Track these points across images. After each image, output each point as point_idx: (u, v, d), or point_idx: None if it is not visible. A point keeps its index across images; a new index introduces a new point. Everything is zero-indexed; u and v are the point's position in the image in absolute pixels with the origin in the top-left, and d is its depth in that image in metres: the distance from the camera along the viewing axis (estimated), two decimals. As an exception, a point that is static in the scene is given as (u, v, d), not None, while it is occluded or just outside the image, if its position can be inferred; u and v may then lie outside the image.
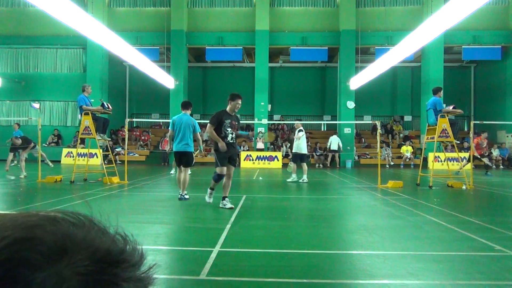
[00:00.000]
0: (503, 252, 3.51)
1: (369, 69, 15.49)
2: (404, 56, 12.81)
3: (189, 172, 7.26)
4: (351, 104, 19.38)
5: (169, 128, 7.10)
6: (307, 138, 11.26)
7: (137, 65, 14.21)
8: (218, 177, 6.03)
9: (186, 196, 6.79)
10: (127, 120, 10.99)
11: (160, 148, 19.13)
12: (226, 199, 5.92)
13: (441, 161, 15.89)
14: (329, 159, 18.46)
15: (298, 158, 10.54)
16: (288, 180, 10.43)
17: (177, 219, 5.41)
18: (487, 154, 13.48)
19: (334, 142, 18.27)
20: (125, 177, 9.64)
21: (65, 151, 18.69)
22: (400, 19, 19.42)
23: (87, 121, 9.14)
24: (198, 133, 7.13)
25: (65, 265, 0.34)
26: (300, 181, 10.21)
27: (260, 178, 11.67)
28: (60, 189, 8.16)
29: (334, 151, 18.37)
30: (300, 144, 10.42)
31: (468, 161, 12.42)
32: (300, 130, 10.57)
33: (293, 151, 10.76)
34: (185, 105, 7.27)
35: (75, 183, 9.02)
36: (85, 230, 0.39)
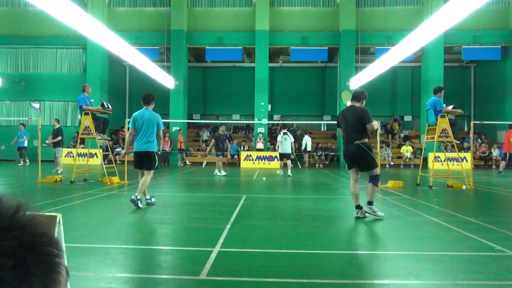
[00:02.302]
0: (503, 252, 3.51)
1: (369, 69, 15.49)
2: (404, 56, 12.81)
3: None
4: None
5: (129, 126, 6.26)
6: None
7: (137, 65, 14.20)
8: (378, 179, 5.32)
9: (139, 204, 5.68)
10: (127, 120, 10.98)
11: (160, 148, 19.10)
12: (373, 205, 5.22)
13: (441, 161, 15.88)
14: (307, 159, 18.58)
15: (284, 157, 12.96)
16: (278, 172, 13.35)
17: (177, 219, 5.41)
18: None
19: (308, 142, 18.39)
20: (125, 177, 9.64)
21: (65, 151, 18.67)
22: (400, 19, 19.42)
23: (87, 121, 9.14)
24: (161, 131, 6.21)
25: None
26: (279, 173, 13.22)
27: (264, 178, 11.69)
28: (60, 189, 8.16)
29: (309, 151, 18.50)
30: (283, 146, 12.62)
31: (506, 159, 12.69)
32: (278, 134, 13.28)
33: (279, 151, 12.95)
34: (146, 99, 6.24)
35: (75, 183, 9.02)
36: None
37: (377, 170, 5.35)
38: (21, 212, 0.48)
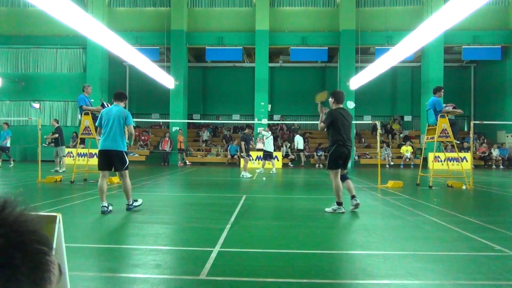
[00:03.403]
0: (503, 252, 3.51)
1: (369, 69, 15.49)
2: (404, 56, 12.81)
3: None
4: (351, 104, 19.38)
5: (96, 124, 5.85)
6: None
7: (137, 65, 14.20)
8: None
9: (136, 204, 5.62)
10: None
11: (160, 148, 19.14)
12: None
13: (441, 161, 15.89)
14: (303, 158, 18.90)
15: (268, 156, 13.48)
16: (258, 171, 13.38)
17: (177, 219, 5.41)
18: None
19: (300, 141, 18.73)
20: (125, 177, 9.62)
21: (65, 151, 18.69)
22: (400, 19, 19.42)
23: (87, 121, 9.14)
24: (131, 126, 5.65)
25: None
26: (262, 171, 13.26)
27: (264, 178, 11.70)
28: (60, 189, 8.16)
29: (301, 150, 18.71)
30: (268, 144, 13.32)
31: None
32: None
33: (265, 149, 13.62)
34: (118, 96, 5.84)
35: (75, 183, 9.02)
36: None
37: None
38: (8, 210, 0.47)
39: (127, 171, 5.62)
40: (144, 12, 20.23)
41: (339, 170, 5.77)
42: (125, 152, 5.62)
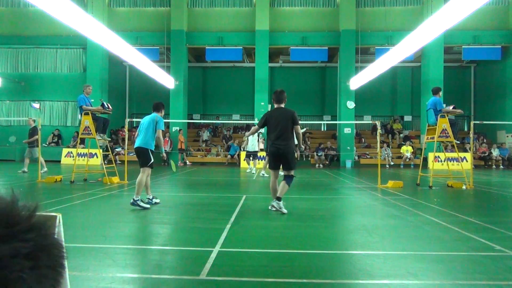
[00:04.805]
0: (503, 252, 3.51)
1: (369, 69, 15.48)
2: (404, 56, 12.80)
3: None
4: (351, 104, 19.39)
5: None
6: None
7: (137, 65, 14.20)
8: (292, 179, 5.97)
9: (141, 204, 5.69)
10: (127, 120, 10.99)
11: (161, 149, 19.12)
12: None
13: (441, 161, 15.89)
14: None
15: (251, 155, 13.60)
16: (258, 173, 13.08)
17: (177, 219, 5.41)
18: None
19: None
20: (125, 177, 9.64)
21: (65, 151, 18.70)
22: (400, 19, 19.42)
23: (87, 121, 9.14)
24: (159, 131, 6.14)
25: None
26: (252, 172, 13.28)
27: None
28: (60, 189, 8.16)
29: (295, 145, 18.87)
30: (254, 144, 13.35)
31: None
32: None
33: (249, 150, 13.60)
34: (153, 106, 6.41)
35: (75, 183, 9.02)
36: None
37: (293, 172, 5.86)
38: (36, 214, 0.49)
39: (145, 168, 5.94)
40: (144, 12, 20.23)
41: (274, 171, 5.87)
42: (150, 150, 6.02)
